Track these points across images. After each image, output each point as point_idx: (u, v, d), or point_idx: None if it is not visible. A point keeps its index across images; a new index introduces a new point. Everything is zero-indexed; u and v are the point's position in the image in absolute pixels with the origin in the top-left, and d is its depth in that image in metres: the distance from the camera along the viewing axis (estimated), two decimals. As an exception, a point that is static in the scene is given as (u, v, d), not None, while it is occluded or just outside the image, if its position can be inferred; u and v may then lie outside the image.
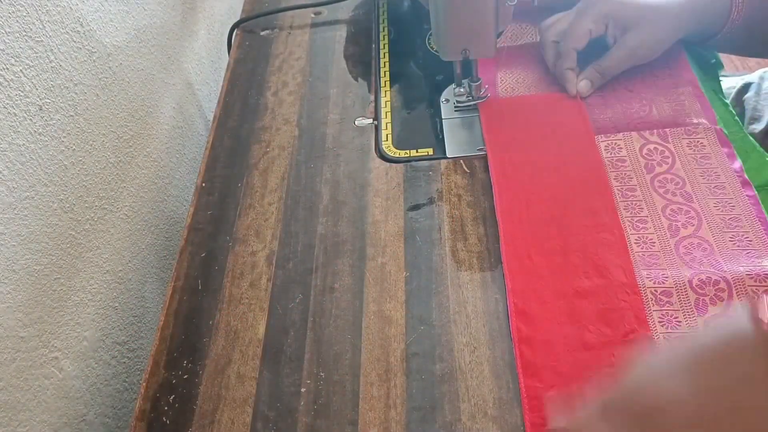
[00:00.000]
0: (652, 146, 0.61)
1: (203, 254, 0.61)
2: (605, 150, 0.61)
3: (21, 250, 0.51)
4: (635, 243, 0.54)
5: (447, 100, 0.70)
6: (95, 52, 0.62)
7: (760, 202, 0.55)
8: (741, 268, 0.51)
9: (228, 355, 0.53)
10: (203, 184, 0.67)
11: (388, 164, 0.66)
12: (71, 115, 0.58)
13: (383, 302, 0.54)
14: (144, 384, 0.52)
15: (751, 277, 0.50)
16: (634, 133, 0.62)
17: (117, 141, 0.66)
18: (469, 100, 0.67)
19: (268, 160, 0.68)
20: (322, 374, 0.51)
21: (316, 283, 0.57)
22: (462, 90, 0.66)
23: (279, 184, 0.66)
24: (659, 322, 0.49)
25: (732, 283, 0.50)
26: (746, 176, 0.57)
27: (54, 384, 0.55)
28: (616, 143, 0.61)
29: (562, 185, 0.59)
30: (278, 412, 0.49)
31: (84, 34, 0.60)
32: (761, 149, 0.59)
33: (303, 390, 0.50)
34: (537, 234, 0.56)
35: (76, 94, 0.58)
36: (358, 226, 0.60)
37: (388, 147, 0.67)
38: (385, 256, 0.57)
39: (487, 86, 0.68)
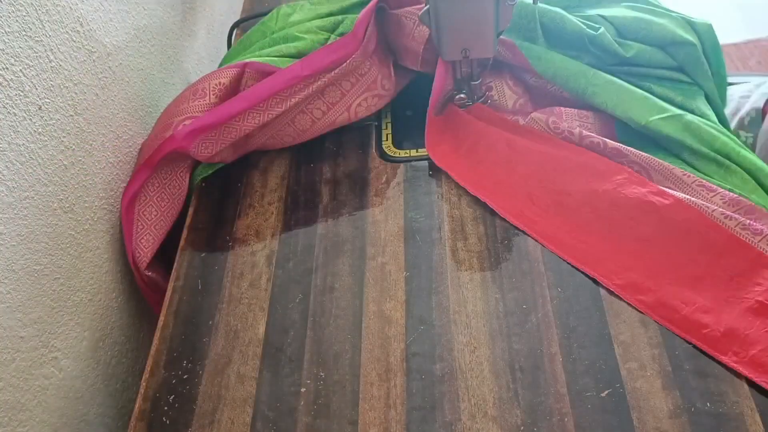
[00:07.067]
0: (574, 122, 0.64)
1: (203, 254, 0.61)
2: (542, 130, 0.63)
3: (21, 250, 0.51)
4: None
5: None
6: (95, 51, 0.62)
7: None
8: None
9: (228, 355, 0.53)
10: (203, 184, 0.68)
11: (388, 164, 0.66)
12: (71, 115, 0.58)
13: (383, 302, 0.54)
14: (144, 384, 0.52)
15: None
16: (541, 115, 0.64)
17: (117, 141, 0.66)
18: (469, 103, 0.67)
19: (268, 160, 0.68)
20: (321, 374, 0.51)
21: (316, 283, 0.57)
22: (463, 95, 0.66)
23: (279, 184, 0.66)
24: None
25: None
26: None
27: (54, 384, 0.55)
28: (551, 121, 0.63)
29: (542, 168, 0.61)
30: (278, 412, 0.49)
31: (84, 33, 0.59)
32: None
33: (303, 390, 0.50)
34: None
35: (75, 93, 0.58)
36: (358, 226, 0.60)
37: (388, 147, 0.67)
38: (385, 256, 0.57)
39: (486, 92, 0.68)
